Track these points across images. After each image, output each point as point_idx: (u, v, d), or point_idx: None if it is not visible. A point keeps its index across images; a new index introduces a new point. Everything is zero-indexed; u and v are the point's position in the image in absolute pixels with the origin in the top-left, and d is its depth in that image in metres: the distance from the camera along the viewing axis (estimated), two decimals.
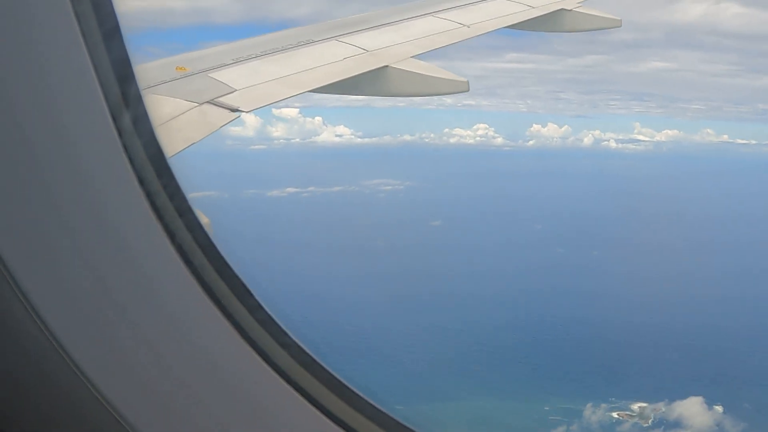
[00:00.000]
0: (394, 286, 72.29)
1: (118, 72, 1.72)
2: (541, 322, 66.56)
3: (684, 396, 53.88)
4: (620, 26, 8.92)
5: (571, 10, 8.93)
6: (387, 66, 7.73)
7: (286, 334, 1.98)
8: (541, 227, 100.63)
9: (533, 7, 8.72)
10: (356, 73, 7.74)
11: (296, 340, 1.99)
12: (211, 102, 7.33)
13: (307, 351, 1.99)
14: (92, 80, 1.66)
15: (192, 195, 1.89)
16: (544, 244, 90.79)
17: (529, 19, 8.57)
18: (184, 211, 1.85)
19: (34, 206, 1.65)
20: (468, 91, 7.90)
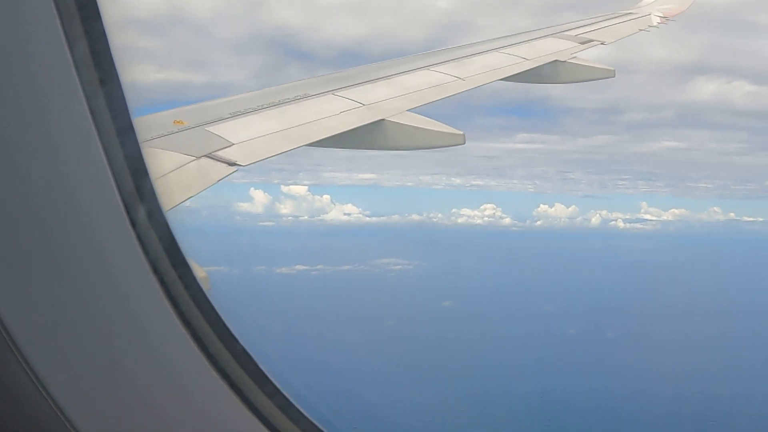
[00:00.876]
0: (405, 364, 71.33)
1: (119, 129, 1.71)
2: (560, 405, 65.17)
3: None
4: (614, 76, 9.07)
5: (565, 61, 9.08)
6: (383, 119, 7.79)
7: (295, 408, 1.99)
8: (552, 308, 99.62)
9: (527, 59, 8.87)
10: (352, 127, 7.80)
11: (307, 415, 1.99)
12: (209, 156, 7.34)
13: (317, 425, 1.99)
14: (94, 140, 1.65)
15: (193, 262, 1.89)
16: (555, 325, 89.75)
17: (523, 71, 8.71)
18: (189, 282, 1.84)
19: (41, 272, 1.63)
20: (464, 144, 7.91)
